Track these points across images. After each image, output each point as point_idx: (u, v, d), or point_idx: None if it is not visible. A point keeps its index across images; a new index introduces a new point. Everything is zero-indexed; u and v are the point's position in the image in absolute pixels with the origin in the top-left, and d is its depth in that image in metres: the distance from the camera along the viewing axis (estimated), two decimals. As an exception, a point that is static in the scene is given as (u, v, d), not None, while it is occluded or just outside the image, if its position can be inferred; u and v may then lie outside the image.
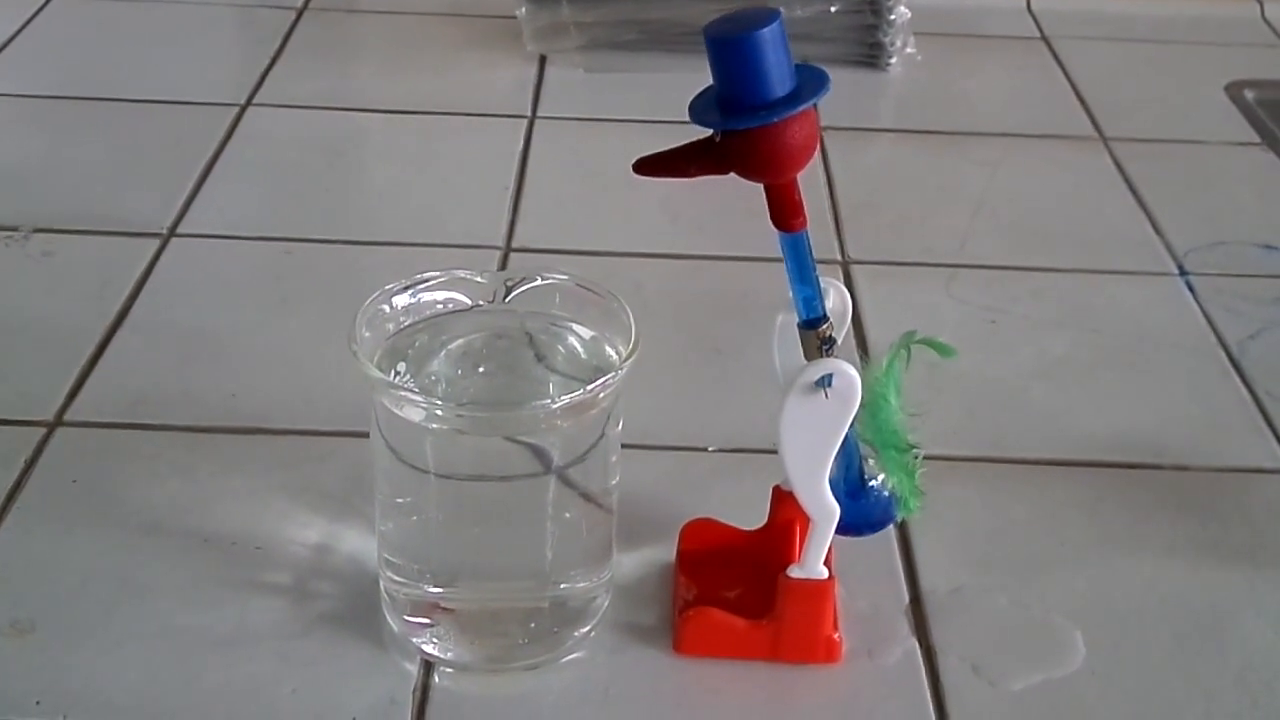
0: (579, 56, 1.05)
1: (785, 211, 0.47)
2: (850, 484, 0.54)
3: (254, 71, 1.01)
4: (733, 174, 0.46)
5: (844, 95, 1.01)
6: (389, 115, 0.97)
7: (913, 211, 0.88)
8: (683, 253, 0.82)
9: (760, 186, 0.47)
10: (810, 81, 0.45)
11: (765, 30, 0.43)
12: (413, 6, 1.14)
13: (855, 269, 0.80)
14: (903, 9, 1.05)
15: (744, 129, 0.45)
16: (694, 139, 0.47)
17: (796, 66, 0.45)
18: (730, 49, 0.44)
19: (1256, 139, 0.99)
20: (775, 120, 0.44)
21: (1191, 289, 0.80)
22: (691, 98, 0.46)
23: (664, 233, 0.83)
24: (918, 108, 1.03)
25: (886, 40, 1.05)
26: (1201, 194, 0.91)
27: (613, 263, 0.80)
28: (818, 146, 0.46)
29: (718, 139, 0.46)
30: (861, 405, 0.49)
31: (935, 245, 0.84)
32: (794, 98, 0.44)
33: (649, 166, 0.48)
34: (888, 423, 0.52)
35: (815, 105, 0.45)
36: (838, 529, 0.52)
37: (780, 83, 0.44)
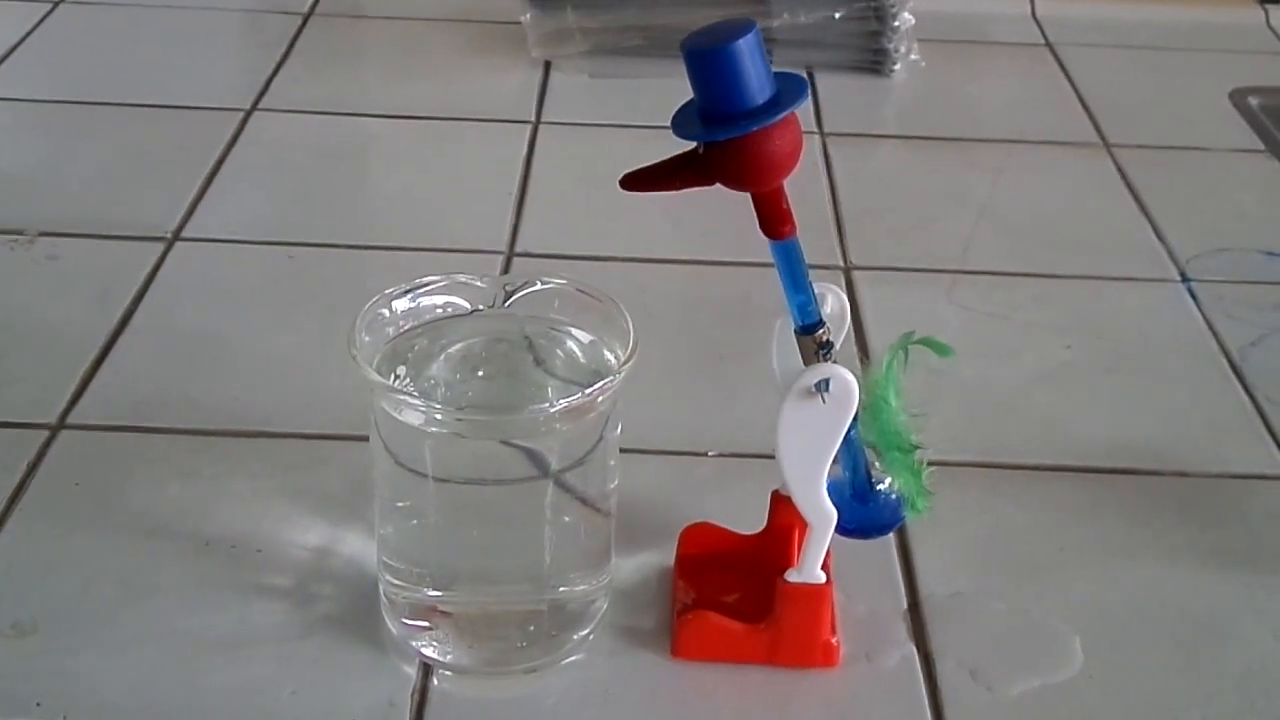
0: (583, 62, 1.05)
1: (773, 220, 0.47)
2: (858, 487, 0.54)
3: (259, 77, 1.02)
4: (719, 185, 0.46)
5: (848, 101, 1.01)
6: (394, 120, 0.97)
7: (915, 217, 0.88)
8: (685, 258, 0.82)
9: (748, 196, 0.47)
10: (790, 89, 0.45)
11: (740, 41, 0.43)
12: (418, 12, 1.14)
13: (857, 274, 0.81)
14: (907, 15, 1.05)
15: (725, 139, 0.45)
16: (680, 151, 0.47)
17: (776, 74, 0.45)
18: (707, 61, 0.44)
19: (1260, 146, 0.99)
20: (755, 129, 0.44)
21: (1194, 295, 0.80)
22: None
23: (667, 238, 0.84)
24: (921, 114, 1.03)
25: (891, 46, 1.05)
26: (1204, 201, 0.91)
27: (615, 267, 0.80)
28: (801, 154, 0.46)
29: (701, 151, 0.46)
30: (863, 408, 0.49)
31: (938, 251, 0.84)
32: (773, 106, 0.44)
33: (635, 181, 0.48)
34: (889, 424, 0.52)
35: (796, 113, 0.45)
36: (847, 532, 0.52)
37: (759, 92, 0.44)
